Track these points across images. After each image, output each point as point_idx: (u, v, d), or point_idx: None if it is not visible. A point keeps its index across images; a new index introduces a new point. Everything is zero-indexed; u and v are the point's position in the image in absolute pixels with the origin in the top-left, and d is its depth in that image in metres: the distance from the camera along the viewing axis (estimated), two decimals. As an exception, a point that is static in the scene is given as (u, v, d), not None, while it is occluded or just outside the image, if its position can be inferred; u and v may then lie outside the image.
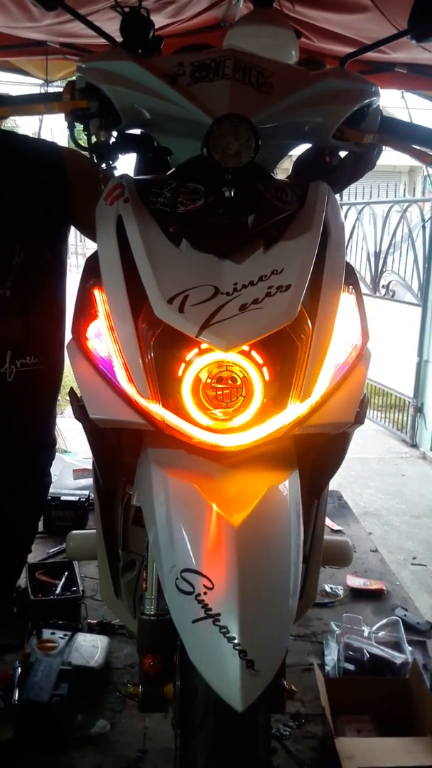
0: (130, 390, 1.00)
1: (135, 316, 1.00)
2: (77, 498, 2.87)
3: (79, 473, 3.17)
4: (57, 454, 2.14)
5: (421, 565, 2.95)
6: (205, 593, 0.89)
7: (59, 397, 2.00)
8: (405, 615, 2.37)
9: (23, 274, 1.70)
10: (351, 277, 1.11)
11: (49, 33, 3.14)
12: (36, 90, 3.82)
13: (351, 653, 2.02)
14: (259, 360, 0.97)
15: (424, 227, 4.87)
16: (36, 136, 1.80)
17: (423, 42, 1.20)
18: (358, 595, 2.54)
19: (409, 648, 2.11)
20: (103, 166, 1.22)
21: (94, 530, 1.44)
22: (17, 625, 2.09)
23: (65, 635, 2.00)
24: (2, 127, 1.77)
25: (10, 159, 1.70)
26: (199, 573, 0.90)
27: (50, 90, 3.58)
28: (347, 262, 1.11)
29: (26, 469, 1.95)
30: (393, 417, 5.04)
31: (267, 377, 0.97)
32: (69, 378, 1.16)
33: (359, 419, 1.08)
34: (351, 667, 1.99)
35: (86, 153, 1.22)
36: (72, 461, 3.32)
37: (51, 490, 2.23)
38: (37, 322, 1.75)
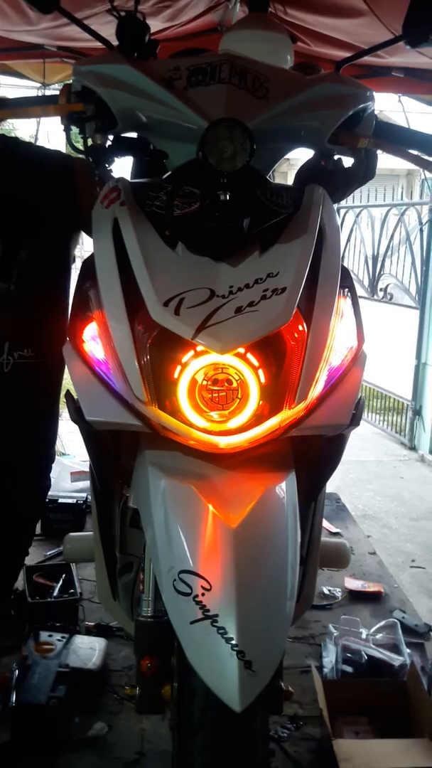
0: (126, 392, 1.00)
1: (131, 319, 1.00)
2: (75, 500, 2.87)
3: (76, 475, 3.18)
4: (55, 456, 2.14)
5: (419, 567, 2.95)
6: (203, 594, 0.89)
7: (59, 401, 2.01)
8: (403, 617, 2.38)
9: (28, 270, 1.74)
10: (346, 280, 1.12)
11: (46, 36, 3.15)
12: (33, 93, 3.84)
13: (349, 655, 2.02)
14: (255, 362, 0.97)
15: (421, 230, 4.89)
16: (49, 147, 1.92)
17: (417, 47, 1.21)
18: (356, 597, 2.54)
19: (407, 650, 2.11)
20: (100, 169, 1.23)
21: (92, 532, 1.44)
22: (15, 628, 2.09)
23: (63, 637, 2.00)
24: (10, 135, 1.83)
25: (19, 164, 1.77)
26: (197, 574, 0.91)
27: (47, 93, 3.60)
28: (343, 266, 1.12)
29: (25, 470, 1.96)
30: (391, 420, 5.04)
31: (263, 379, 0.97)
32: (68, 381, 1.17)
33: (355, 421, 1.08)
34: (349, 669, 1.99)
35: (82, 156, 1.23)
36: (69, 464, 3.32)
37: (49, 492, 2.24)
38: (38, 317, 1.78)
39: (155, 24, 2.80)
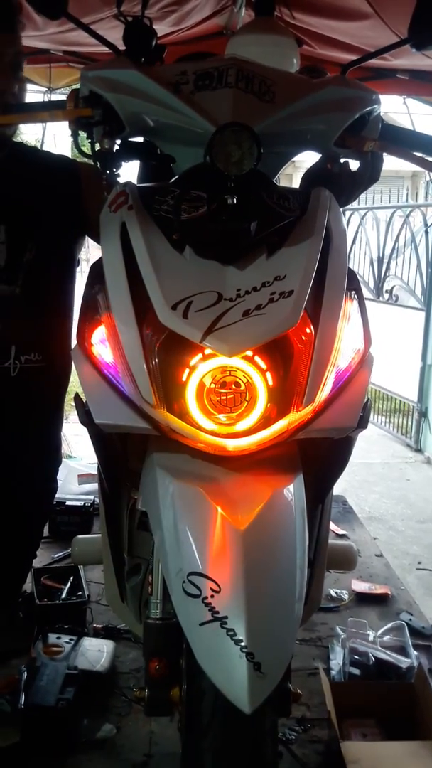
0: (135, 395, 1.01)
1: (139, 322, 1.00)
2: (82, 503, 2.88)
3: (84, 478, 3.19)
4: (62, 459, 2.15)
5: (426, 569, 2.95)
6: (212, 596, 0.90)
7: (65, 404, 2.02)
8: (410, 619, 2.37)
9: (34, 274, 1.75)
10: (353, 282, 1.12)
11: (53, 41, 3.16)
12: (39, 98, 3.85)
13: (356, 657, 2.02)
14: (263, 365, 0.98)
15: (427, 232, 4.89)
16: (53, 152, 1.93)
17: (423, 50, 1.21)
18: (363, 599, 2.53)
19: (415, 652, 2.11)
20: (107, 173, 1.24)
21: (100, 535, 1.45)
22: (23, 630, 2.10)
23: (71, 640, 2.00)
24: (14, 139, 1.83)
25: (24, 168, 1.78)
26: (206, 576, 0.91)
27: (54, 98, 3.62)
28: (349, 268, 1.12)
29: (31, 472, 1.96)
30: (397, 422, 5.04)
31: (270, 382, 0.98)
32: (75, 383, 1.18)
33: (362, 424, 1.08)
34: (356, 671, 1.99)
35: (88, 160, 1.24)
36: (77, 466, 3.33)
37: (56, 495, 2.25)
38: (44, 321, 1.78)
39: (161, 28, 2.81)
